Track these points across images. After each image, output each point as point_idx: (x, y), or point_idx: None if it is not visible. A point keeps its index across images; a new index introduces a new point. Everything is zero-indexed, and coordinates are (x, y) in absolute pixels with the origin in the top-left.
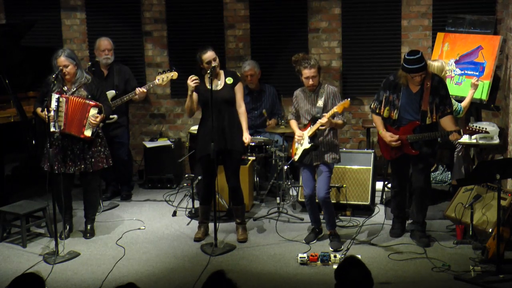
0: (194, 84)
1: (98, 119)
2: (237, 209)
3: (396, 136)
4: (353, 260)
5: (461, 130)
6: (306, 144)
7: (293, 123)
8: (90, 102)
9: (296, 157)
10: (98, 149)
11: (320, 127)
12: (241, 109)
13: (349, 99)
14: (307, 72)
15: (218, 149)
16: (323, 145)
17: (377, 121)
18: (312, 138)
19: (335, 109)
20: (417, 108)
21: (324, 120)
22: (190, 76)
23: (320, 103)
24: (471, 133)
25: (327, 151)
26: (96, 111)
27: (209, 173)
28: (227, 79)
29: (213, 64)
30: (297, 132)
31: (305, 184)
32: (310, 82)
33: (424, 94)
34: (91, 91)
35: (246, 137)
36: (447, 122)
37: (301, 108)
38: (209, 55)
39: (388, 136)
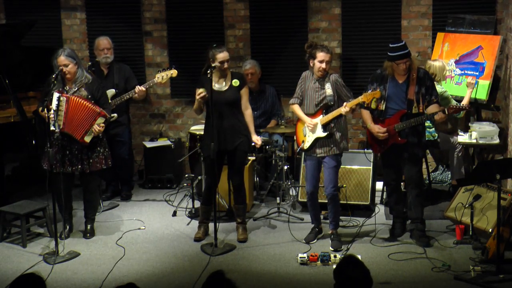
0: (202, 98)
1: (102, 129)
2: (239, 208)
3: (384, 129)
4: (351, 260)
5: (446, 109)
6: (321, 133)
7: (298, 109)
8: (101, 111)
9: (307, 145)
10: (97, 150)
11: (343, 113)
12: (248, 111)
13: (379, 89)
14: (322, 55)
15: (221, 149)
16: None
17: (365, 115)
18: (325, 126)
19: (360, 99)
20: (404, 98)
21: (347, 109)
22: (197, 92)
23: (329, 91)
24: (455, 110)
25: (333, 141)
26: (103, 121)
27: (211, 174)
28: (233, 81)
29: (225, 65)
30: (308, 119)
31: (308, 180)
32: (323, 66)
33: (410, 84)
34: (92, 92)
35: (258, 139)
36: (432, 108)
37: (305, 91)
38: (224, 55)
39: (376, 128)
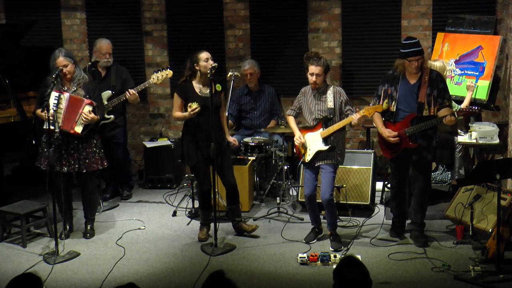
0: (194, 114)
1: (90, 115)
2: (237, 208)
3: (395, 133)
4: (351, 260)
5: (455, 112)
6: (322, 146)
7: (292, 120)
8: (86, 100)
9: (308, 158)
10: (93, 150)
11: (352, 123)
12: (224, 113)
13: (382, 104)
14: (312, 68)
15: (208, 154)
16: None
17: (376, 118)
18: (326, 139)
19: (363, 113)
20: (415, 100)
21: (357, 116)
22: (191, 107)
23: (331, 104)
24: (465, 114)
25: (333, 154)
26: (90, 109)
27: (206, 179)
28: (217, 86)
29: (210, 62)
30: (297, 133)
31: (306, 184)
32: (313, 79)
33: (421, 87)
34: (88, 91)
35: (235, 139)
36: (443, 112)
37: (305, 105)
38: (205, 53)
39: (386, 132)
